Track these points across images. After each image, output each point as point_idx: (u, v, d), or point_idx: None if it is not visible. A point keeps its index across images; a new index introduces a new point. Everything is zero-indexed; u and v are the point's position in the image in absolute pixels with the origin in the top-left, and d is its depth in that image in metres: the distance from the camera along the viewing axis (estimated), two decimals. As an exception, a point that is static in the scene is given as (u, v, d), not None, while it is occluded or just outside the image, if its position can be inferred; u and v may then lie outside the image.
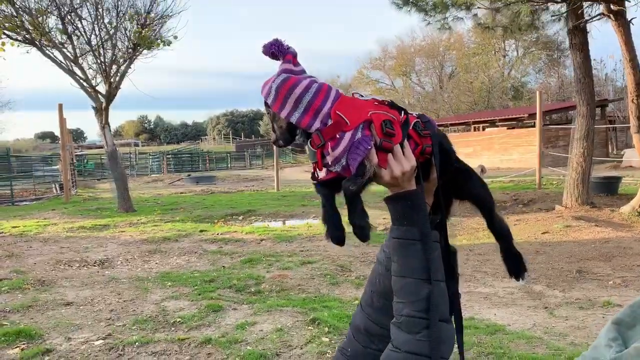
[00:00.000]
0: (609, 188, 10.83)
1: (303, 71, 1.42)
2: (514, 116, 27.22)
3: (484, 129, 28.71)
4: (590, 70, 9.13)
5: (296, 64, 1.41)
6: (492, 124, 28.41)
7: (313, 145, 1.40)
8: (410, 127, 1.47)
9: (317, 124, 1.37)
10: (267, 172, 28.96)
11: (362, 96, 1.49)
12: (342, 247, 1.53)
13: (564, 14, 9.21)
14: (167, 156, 36.84)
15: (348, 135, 1.36)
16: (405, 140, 1.46)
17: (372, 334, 1.86)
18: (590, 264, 5.52)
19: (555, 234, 7.17)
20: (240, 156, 43.04)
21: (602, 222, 7.65)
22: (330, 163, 1.39)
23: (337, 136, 1.37)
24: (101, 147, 14.06)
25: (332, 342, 3.25)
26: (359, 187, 1.39)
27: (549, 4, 9.29)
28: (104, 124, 11.85)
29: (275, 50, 1.39)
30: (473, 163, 22.88)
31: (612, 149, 25.01)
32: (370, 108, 1.43)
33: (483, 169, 20.76)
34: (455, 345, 1.57)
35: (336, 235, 1.49)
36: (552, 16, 9.95)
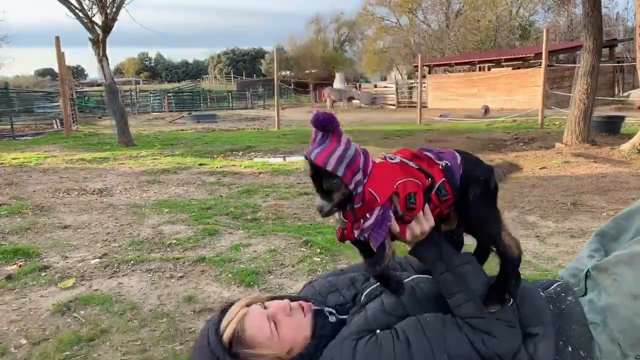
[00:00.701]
0: (612, 127, 10.74)
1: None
2: (520, 56, 26.64)
3: (489, 69, 28.20)
4: (599, 4, 8.83)
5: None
6: (498, 63, 27.86)
7: (347, 219, 1.51)
8: (434, 192, 1.55)
9: (359, 203, 1.47)
10: (268, 112, 28.74)
11: (392, 159, 1.56)
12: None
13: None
14: (168, 94, 36.47)
15: (376, 212, 1.47)
16: (426, 205, 1.56)
17: None
18: (586, 197, 5.54)
19: (553, 169, 7.17)
20: (242, 95, 42.57)
21: (600, 159, 7.63)
22: (357, 234, 1.51)
23: (367, 215, 1.47)
24: (102, 84, 13.88)
25: (323, 261, 3.31)
26: (378, 273, 1.58)
27: None
28: (102, 57, 11.65)
29: (329, 127, 1.40)
30: (476, 103, 22.55)
31: (619, 91, 24.63)
32: (398, 176, 1.50)
33: (487, 110, 20.57)
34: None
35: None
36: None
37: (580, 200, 5.41)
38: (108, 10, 11.51)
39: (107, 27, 11.56)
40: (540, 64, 14.04)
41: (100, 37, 11.53)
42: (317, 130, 1.42)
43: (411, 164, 1.55)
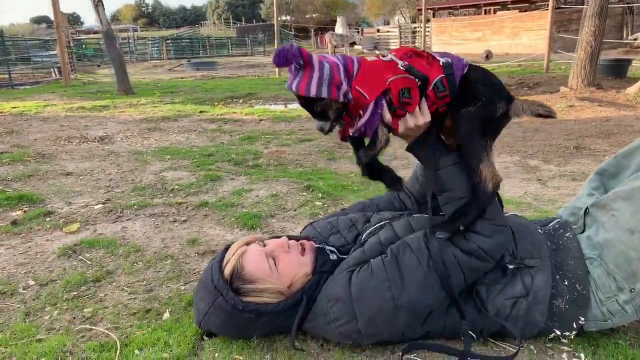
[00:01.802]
0: (618, 71, 10.57)
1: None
2: (527, -2, 25.89)
3: (495, 12, 27.49)
4: (611, -60, 8.49)
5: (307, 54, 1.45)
6: (504, 6, 27.15)
7: (344, 120, 1.55)
8: (430, 88, 1.54)
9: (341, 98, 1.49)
10: (268, 59, 28.27)
11: (384, 56, 1.56)
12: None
13: None
14: (167, 41, 35.81)
15: (369, 109, 1.49)
16: (423, 99, 1.55)
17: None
18: (589, 140, 5.52)
19: (557, 113, 7.10)
20: (241, 42, 41.78)
21: (605, 103, 7.55)
22: (354, 131, 1.56)
23: (360, 112, 1.50)
24: (99, 32, 13.59)
25: (325, 205, 3.33)
26: (370, 158, 1.56)
27: None
28: (97, 2, 11.37)
29: (294, 59, 1.41)
30: (481, 48, 22.15)
31: (628, 34, 24.05)
32: (390, 73, 1.51)
33: (489, 55, 20.18)
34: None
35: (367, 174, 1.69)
36: None
37: (583, 144, 5.39)
38: (101, -47, 11.14)
39: (101, -29, 11.23)
40: (547, 6, 13.65)
41: (95, -19, 11.22)
42: (280, 67, 1.47)
43: (400, 64, 1.53)
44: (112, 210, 3.32)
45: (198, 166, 4.60)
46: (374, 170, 1.66)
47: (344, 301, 1.54)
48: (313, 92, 1.42)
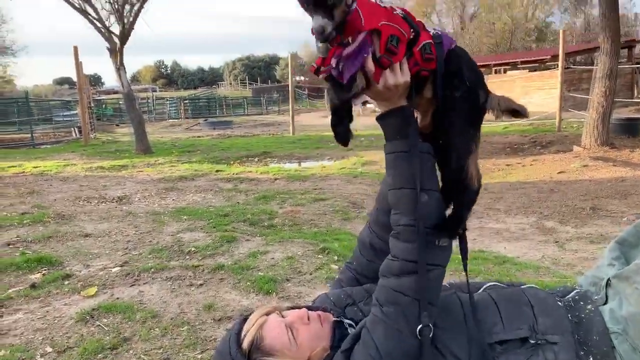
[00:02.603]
0: (631, 130, 10.59)
1: None
2: (536, 58, 26.44)
3: (505, 72, 27.99)
4: (617, 5, 8.74)
5: None
6: (514, 66, 27.65)
7: (333, 43, 1.42)
8: (418, 48, 1.46)
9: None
10: (283, 118, 28.87)
11: (381, 1, 1.48)
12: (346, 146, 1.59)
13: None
14: (185, 101, 36.79)
15: (359, 38, 1.39)
16: (404, 58, 1.46)
17: (377, 249, 1.91)
18: (605, 201, 5.49)
19: (572, 173, 7.10)
20: (257, 101, 42.79)
21: (620, 162, 7.55)
22: (334, 63, 1.43)
23: (350, 39, 1.39)
24: (119, 92, 14.09)
25: (341, 269, 3.32)
26: (341, 102, 1.47)
27: None
28: (119, 66, 11.83)
29: None
30: (492, 106, 22.41)
31: (639, 92, 24.28)
32: (384, 17, 1.43)
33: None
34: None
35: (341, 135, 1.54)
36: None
37: (599, 204, 5.35)
38: (125, 20, 11.69)
39: (124, 37, 11.74)
40: (557, 66, 13.91)
41: (118, 46, 11.71)
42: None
43: (398, 11, 1.47)
44: (129, 274, 3.34)
45: (214, 227, 4.64)
46: (338, 114, 1.52)
47: None
48: None
